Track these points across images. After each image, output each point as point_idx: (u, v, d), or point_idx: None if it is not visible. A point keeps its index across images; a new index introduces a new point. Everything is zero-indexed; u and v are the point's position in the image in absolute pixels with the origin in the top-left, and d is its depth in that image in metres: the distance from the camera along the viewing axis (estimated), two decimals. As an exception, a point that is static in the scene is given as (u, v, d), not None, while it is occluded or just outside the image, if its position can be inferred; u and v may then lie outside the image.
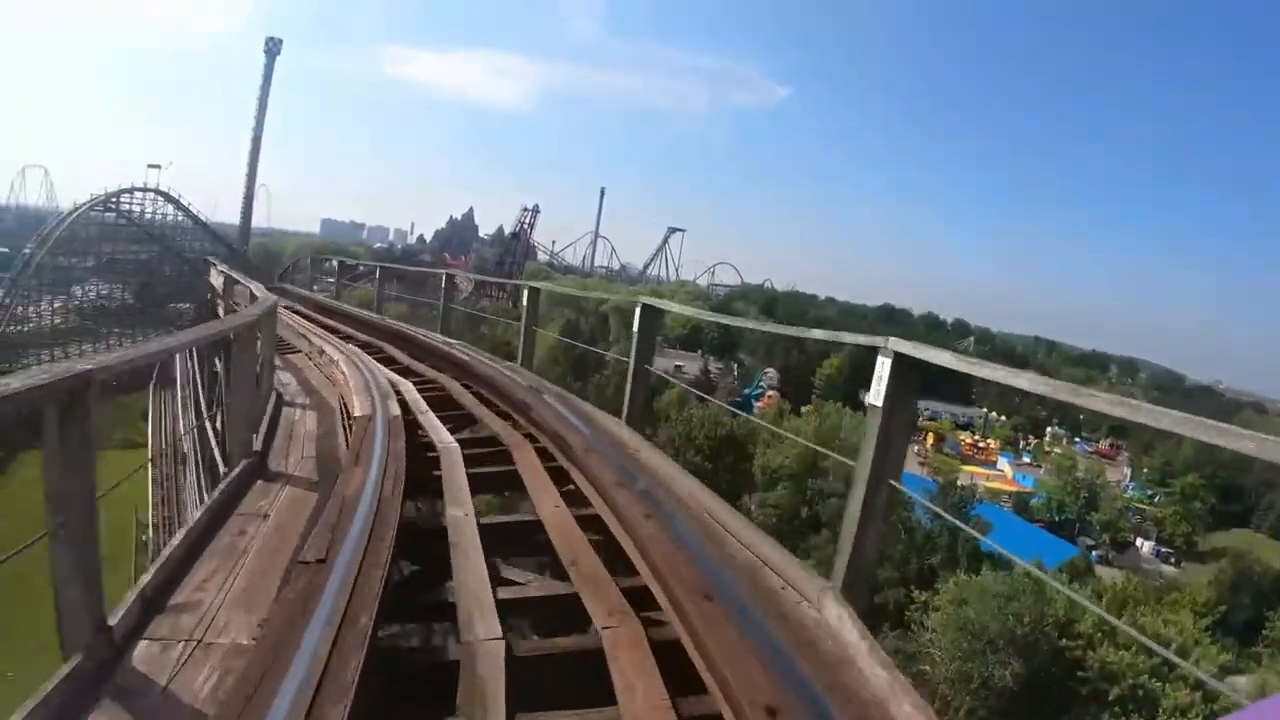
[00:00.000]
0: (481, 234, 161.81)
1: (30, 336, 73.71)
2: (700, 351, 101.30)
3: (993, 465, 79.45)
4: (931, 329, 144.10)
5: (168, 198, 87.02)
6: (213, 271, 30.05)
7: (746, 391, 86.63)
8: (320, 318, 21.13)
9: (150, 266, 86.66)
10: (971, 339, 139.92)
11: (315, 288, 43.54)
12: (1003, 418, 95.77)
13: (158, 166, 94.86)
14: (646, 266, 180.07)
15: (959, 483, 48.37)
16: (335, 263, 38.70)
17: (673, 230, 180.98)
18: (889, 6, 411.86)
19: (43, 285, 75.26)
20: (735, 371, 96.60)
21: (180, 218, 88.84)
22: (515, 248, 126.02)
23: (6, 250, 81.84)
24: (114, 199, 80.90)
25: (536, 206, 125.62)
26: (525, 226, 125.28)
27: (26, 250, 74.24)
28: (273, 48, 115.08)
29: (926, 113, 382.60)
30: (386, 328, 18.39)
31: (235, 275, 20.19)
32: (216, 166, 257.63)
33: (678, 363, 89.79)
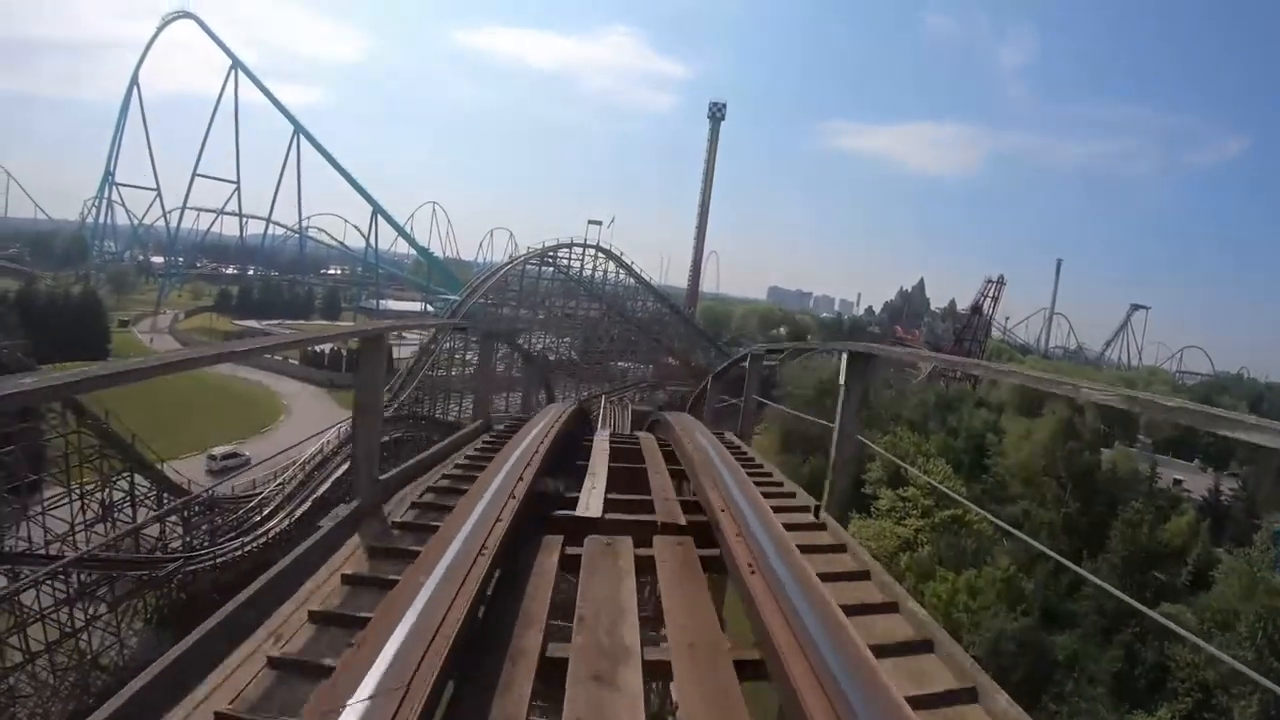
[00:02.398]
0: (933, 307, 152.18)
1: (472, 381, 76.10)
2: (1199, 462, 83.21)
3: None
4: None
5: (610, 255, 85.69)
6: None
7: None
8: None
9: (594, 323, 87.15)
10: None
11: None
12: None
13: (598, 223, 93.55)
14: (1106, 347, 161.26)
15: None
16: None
17: (1136, 308, 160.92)
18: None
19: (489, 336, 77.21)
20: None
21: (623, 276, 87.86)
22: (976, 323, 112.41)
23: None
24: (551, 253, 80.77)
25: (1001, 278, 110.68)
26: (988, 299, 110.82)
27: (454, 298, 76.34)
28: (716, 113, 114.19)
29: None
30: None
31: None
32: (659, 232, 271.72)
33: (1176, 476, 71.68)
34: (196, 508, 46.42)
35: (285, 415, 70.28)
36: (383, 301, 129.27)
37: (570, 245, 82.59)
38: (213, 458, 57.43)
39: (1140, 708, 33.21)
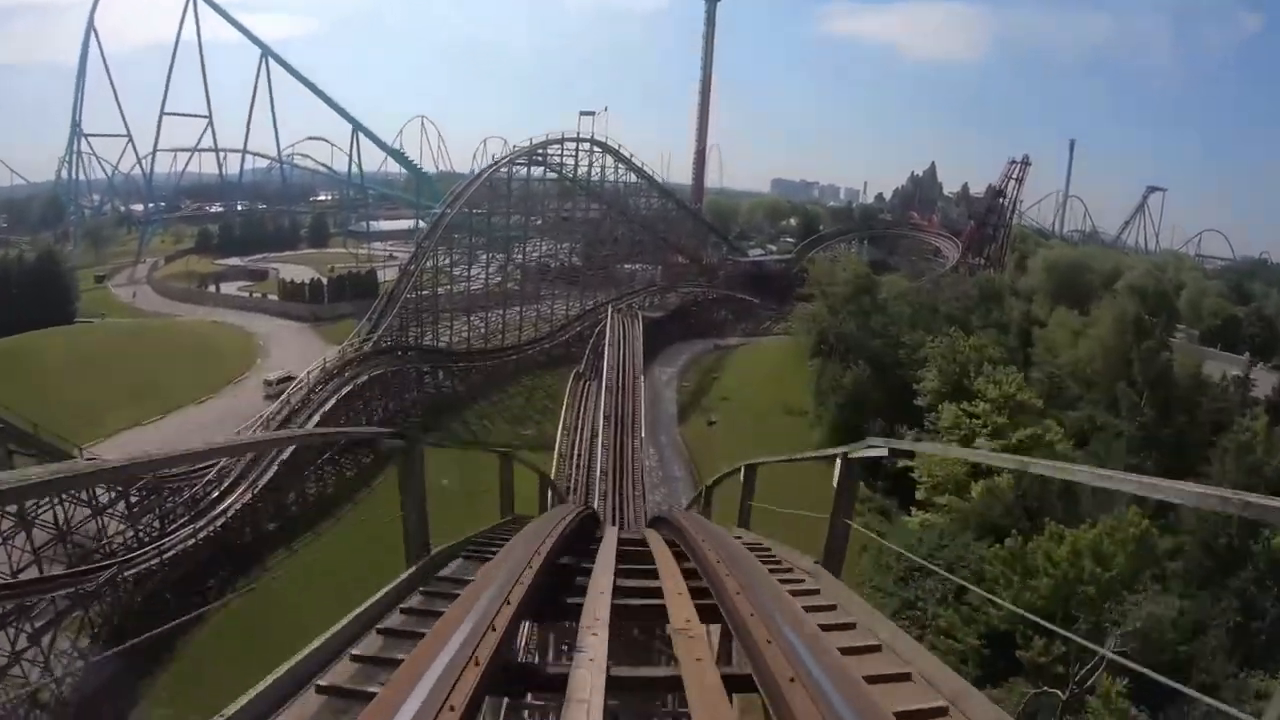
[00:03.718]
0: (946, 192, 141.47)
1: (463, 300, 66.34)
2: (1249, 355, 72.24)
3: None
4: None
5: (607, 149, 74.75)
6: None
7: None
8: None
9: (595, 225, 78.04)
10: None
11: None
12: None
13: (591, 113, 79.29)
14: (1123, 230, 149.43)
15: None
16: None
17: (1152, 190, 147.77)
18: None
19: (478, 246, 68.00)
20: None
21: (622, 172, 77.72)
22: (1000, 205, 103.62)
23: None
24: (541, 150, 69.89)
25: (1026, 158, 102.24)
26: (1012, 181, 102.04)
27: (443, 210, 65.66)
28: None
29: None
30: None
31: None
32: (657, 133, 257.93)
33: (1234, 371, 62.49)
34: (141, 495, 38.10)
35: (261, 359, 61.04)
36: (373, 223, 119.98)
37: (562, 140, 71.67)
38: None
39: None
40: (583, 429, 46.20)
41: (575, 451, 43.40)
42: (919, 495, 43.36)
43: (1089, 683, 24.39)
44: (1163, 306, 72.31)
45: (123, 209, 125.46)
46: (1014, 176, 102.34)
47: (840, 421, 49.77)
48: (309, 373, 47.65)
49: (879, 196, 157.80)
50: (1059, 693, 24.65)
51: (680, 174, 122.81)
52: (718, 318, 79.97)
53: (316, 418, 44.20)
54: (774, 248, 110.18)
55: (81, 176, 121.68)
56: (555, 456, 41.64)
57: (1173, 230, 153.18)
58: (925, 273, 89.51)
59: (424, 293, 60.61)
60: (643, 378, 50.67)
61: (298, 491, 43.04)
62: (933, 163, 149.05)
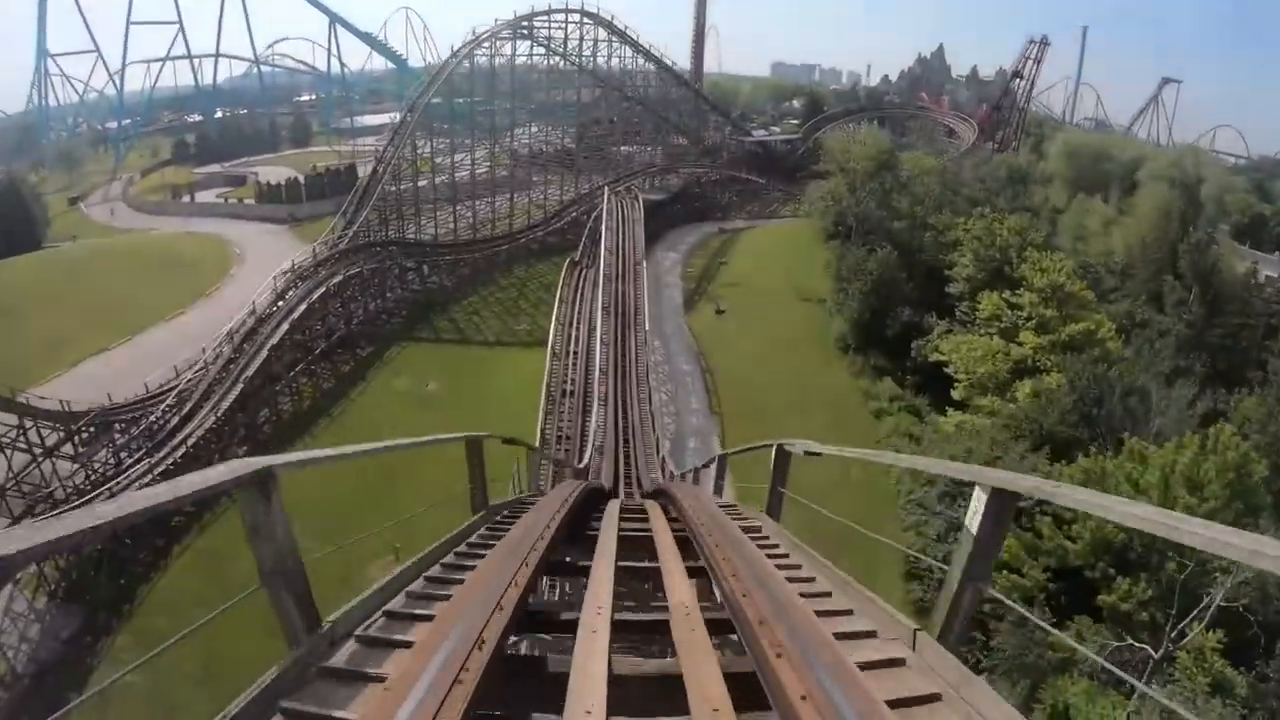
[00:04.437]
0: (954, 75, 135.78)
1: (447, 190, 59.53)
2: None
3: None
4: None
5: (599, 20, 66.73)
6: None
7: None
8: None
9: (589, 106, 71.02)
10: None
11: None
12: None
13: None
14: (1134, 121, 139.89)
15: None
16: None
17: (1166, 81, 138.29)
18: None
19: (463, 132, 61.19)
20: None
21: (617, 46, 69.37)
22: (1017, 88, 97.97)
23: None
24: (526, 23, 62.29)
25: (1045, 39, 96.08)
26: (1030, 62, 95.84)
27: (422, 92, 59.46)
28: None
29: None
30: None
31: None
32: (655, 13, 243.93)
33: (1267, 271, 57.35)
34: (92, 431, 33.80)
35: (236, 267, 55.55)
36: (358, 119, 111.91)
37: (549, 12, 64.01)
38: None
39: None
40: (579, 323, 40.92)
41: (571, 349, 38.19)
42: (956, 394, 38.41)
43: (1186, 640, 19.81)
44: (1189, 201, 66.43)
45: (99, 127, 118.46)
46: (1032, 57, 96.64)
47: (864, 310, 44.30)
48: (275, 277, 42.15)
49: (884, 79, 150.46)
50: (1149, 648, 20.00)
51: (676, 59, 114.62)
52: (722, 200, 73.75)
53: (285, 325, 38.98)
54: (777, 129, 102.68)
55: (54, 101, 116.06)
56: (548, 354, 36.44)
57: (1186, 125, 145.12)
58: (944, 152, 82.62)
59: (405, 185, 54.47)
60: (644, 263, 44.92)
61: (271, 408, 38.21)
62: (940, 45, 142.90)
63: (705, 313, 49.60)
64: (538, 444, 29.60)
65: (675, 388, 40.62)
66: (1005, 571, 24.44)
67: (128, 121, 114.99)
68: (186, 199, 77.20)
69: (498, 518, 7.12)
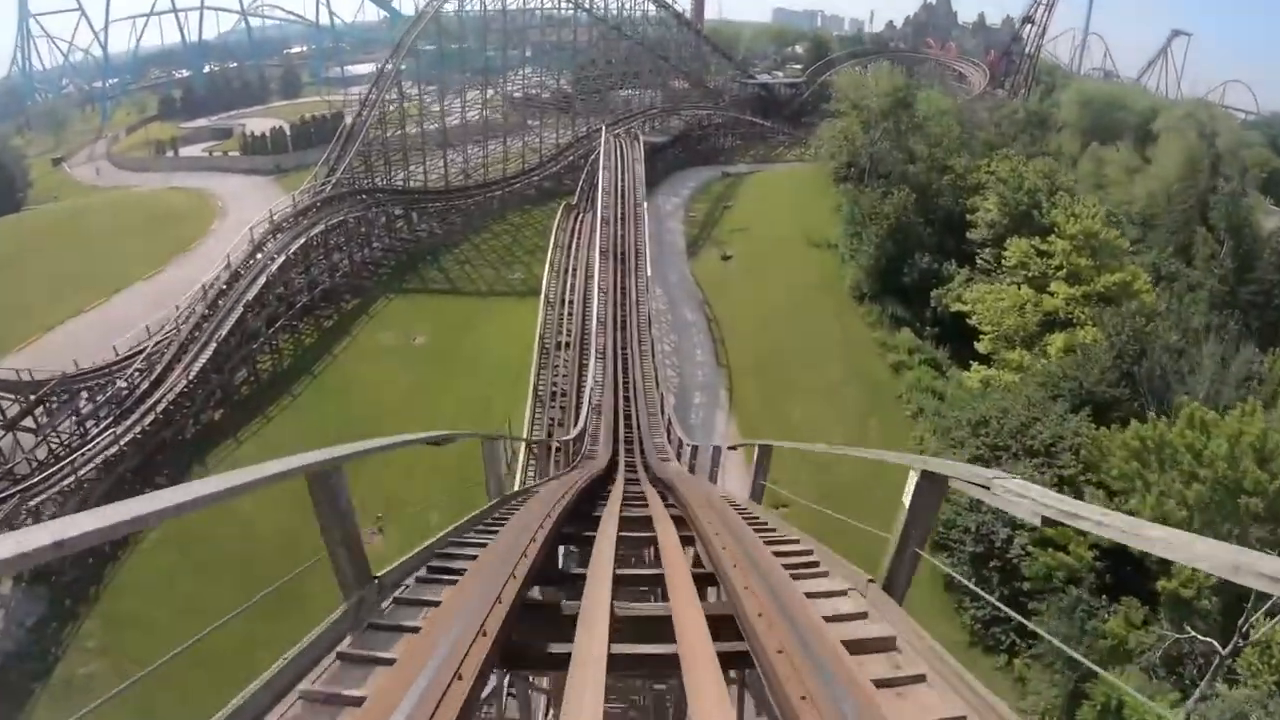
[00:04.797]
0: (960, 21, 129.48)
1: (437, 137, 55.49)
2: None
3: None
4: None
5: None
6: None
7: None
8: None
9: (587, 49, 66.77)
10: None
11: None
12: None
13: None
14: (1143, 73, 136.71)
15: None
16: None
17: (1176, 33, 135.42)
18: None
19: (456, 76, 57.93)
20: None
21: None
22: (1028, 35, 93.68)
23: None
24: None
25: None
26: (1042, 7, 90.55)
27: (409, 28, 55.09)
28: None
29: None
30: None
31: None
32: None
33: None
34: (54, 400, 31.15)
35: (218, 221, 52.52)
36: (349, 68, 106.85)
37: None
38: None
39: None
40: (576, 269, 37.89)
41: (566, 298, 35.23)
42: (981, 347, 35.44)
43: (1258, 634, 17.15)
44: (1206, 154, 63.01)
45: (86, 87, 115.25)
46: (1044, 2, 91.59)
47: (880, 256, 41.05)
48: (251, 228, 39.11)
49: (889, 25, 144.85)
50: (1215, 642, 17.36)
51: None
52: (725, 143, 70.05)
53: (262, 279, 36.07)
54: (781, 73, 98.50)
55: (39, 64, 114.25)
56: (541, 303, 33.50)
57: (1194, 80, 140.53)
58: (957, 95, 78.60)
59: (392, 130, 51.00)
60: (645, 204, 41.59)
61: (249, 368, 35.45)
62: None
63: (710, 259, 46.56)
64: (529, 397, 26.93)
65: (679, 338, 37.80)
66: (1051, 549, 21.82)
67: (114, 80, 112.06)
68: (170, 154, 73.72)
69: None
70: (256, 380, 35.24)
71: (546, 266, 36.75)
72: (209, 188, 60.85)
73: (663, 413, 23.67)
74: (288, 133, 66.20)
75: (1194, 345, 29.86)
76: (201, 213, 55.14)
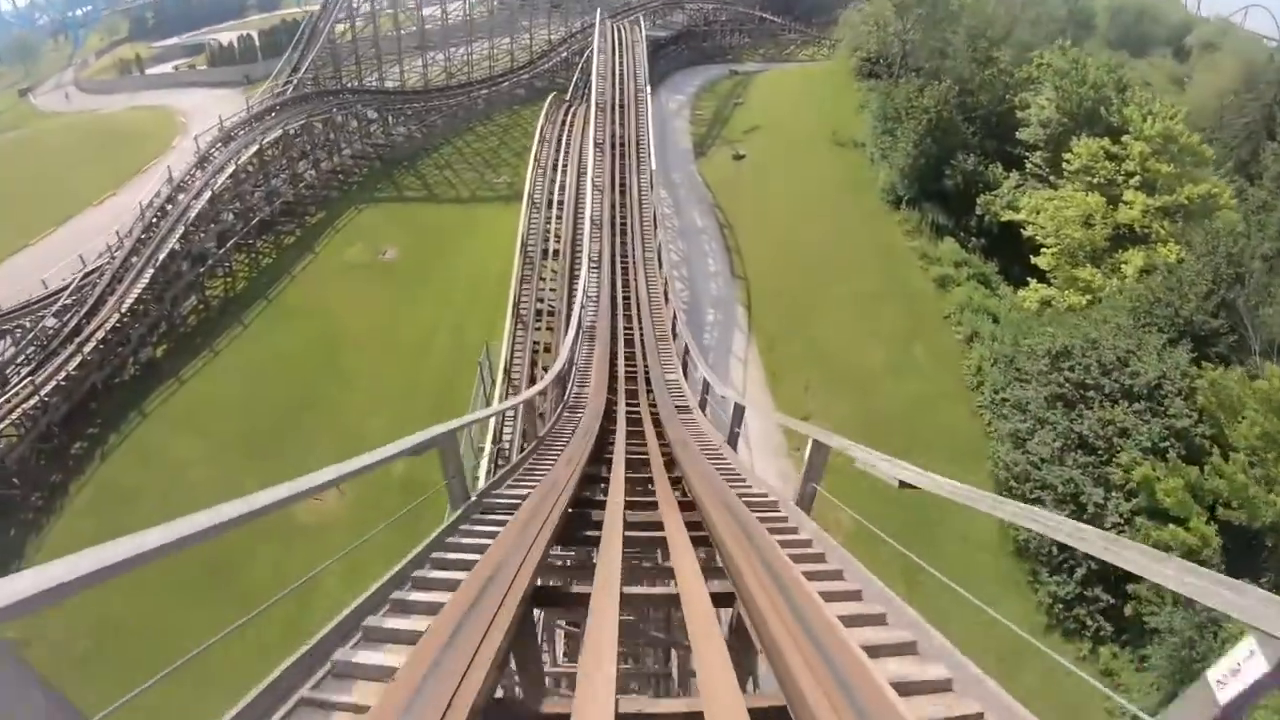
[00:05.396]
0: None
1: (415, 38, 49.72)
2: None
3: None
4: None
5: None
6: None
7: None
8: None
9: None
10: None
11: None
12: None
13: None
14: None
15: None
16: None
17: None
18: None
19: None
20: None
21: None
22: None
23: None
24: None
25: None
26: None
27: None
28: None
29: None
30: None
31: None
32: None
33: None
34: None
35: (180, 138, 47.19)
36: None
37: None
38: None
39: None
40: (567, 167, 32.31)
41: (556, 199, 29.86)
42: (1042, 263, 29.82)
43: None
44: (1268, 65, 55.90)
45: (60, 18, 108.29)
46: None
47: (918, 156, 34.98)
48: (196, 138, 33.76)
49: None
50: None
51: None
52: (732, 41, 63.10)
53: (207, 194, 30.87)
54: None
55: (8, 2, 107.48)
56: (524, 206, 28.19)
57: (1214, 4, 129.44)
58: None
59: (363, 26, 44.87)
60: (648, 89, 35.65)
61: (198, 295, 30.56)
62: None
63: (720, 159, 40.91)
64: (509, 317, 22.02)
65: (687, 246, 32.55)
66: (1171, 525, 16.99)
67: (89, 8, 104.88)
68: (137, 74, 67.63)
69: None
70: (207, 308, 30.37)
71: (530, 162, 31.28)
72: (173, 104, 55.39)
73: (673, 337, 18.83)
74: (257, 42, 59.92)
75: (1264, 274, 24.45)
76: (163, 130, 49.93)
